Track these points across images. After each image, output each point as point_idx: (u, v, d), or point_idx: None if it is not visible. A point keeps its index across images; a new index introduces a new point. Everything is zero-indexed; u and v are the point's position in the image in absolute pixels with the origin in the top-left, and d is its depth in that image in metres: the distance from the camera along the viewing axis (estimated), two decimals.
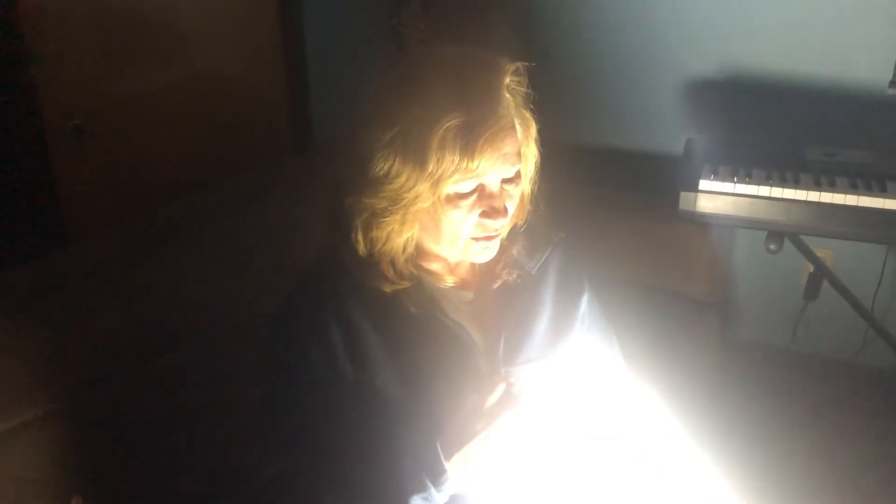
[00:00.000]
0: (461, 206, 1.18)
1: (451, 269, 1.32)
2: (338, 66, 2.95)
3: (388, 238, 1.21)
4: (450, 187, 1.16)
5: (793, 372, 2.78)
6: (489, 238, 1.23)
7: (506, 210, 1.20)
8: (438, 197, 1.16)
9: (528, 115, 1.23)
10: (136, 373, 1.62)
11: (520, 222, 1.33)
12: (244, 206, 2.03)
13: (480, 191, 1.18)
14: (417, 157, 1.13)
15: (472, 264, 1.34)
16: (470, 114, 1.13)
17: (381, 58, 2.71)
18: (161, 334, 1.69)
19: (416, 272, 1.26)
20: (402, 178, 1.15)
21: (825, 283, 2.47)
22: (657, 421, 1.39)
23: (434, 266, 1.30)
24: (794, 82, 2.51)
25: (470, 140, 1.13)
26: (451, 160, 1.13)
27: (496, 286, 1.33)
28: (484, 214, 1.19)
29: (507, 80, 1.19)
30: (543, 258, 1.38)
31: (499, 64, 1.19)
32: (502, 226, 1.24)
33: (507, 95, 1.18)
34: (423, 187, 1.15)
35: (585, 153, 2.70)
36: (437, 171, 1.13)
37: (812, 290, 2.57)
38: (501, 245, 1.32)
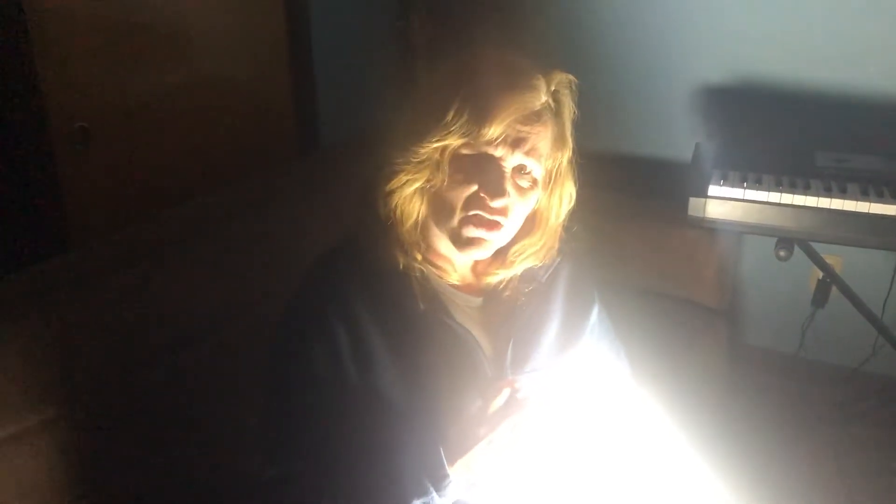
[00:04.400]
0: (464, 172, 1.19)
1: (455, 270, 1.31)
2: (344, 68, 2.94)
3: (401, 192, 1.22)
4: (462, 150, 1.18)
5: (800, 379, 2.77)
6: (483, 223, 1.21)
7: (506, 192, 1.19)
8: (446, 153, 1.19)
9: (566, 131, 1.25)
10: (140, 377, 1.61)
11: (547, 247, 1.32)
12: (251, 210, 2.02)
13: (484, 163, 1.19)
14: (440, 108, 1.17)
15: (478, 279, 1.33)
16: (501, 86, 1.17)
17: (388, 60, 2.69)
18: (167, 339, 1.68)
19: (425, 254, 1.26)
20: (422, 130, 1.19)
21: (834, 290, 2.45)
22: (658, 432, 1.39)
23: (439, 262, 1.29)
24: (805, 88, 2.50)
25: (493, 107, 1.16)
26: (469, 118, 1.16)
27: (506, 294, 1.32)
28: (482, 188, 1.18)
29: (554, 86, 1.22)
30: (553, 267, 1.37)
31: (548, 68, 1.22)
32: (500, 207, 1.20)
33: (548, 98, 1.21)
34: (435, 136, 1.18)
35: (594, 158, 2.67)
36: (453, 122, 1.16)
37: (821, 297, 2.56)
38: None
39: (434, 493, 1.16)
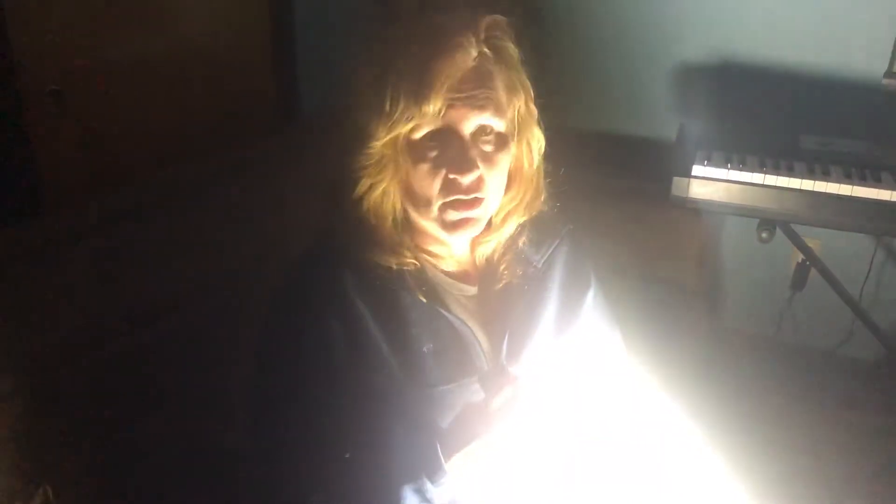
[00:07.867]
0: (427, 159, 1.14)
1: (452, 254, 1.28)
2: (326, 37, 2.90)
3: (369, 196, 1.17)
4: (414, 134, 1.13)
5: (778, 361, 2.78)
6: (463, 205, 1.17)
7: (475, 163, 1.14)
8: (399, 144, 1.14)
9: (513, 74, 1.18)
10: (108, 348, 1.58)
11: (528, 200, 1.27)
12: (228, 179, 1.99)
13: (443, 139, 1.14)
14: (377, 100, 1.12)
15: (473, 254, 1.30)
16: (432, 56, 1.10)
17: (372, 30, 2.66)
18: (139, 309, 1.65)
19: (415, 248, 1.23)
20: (368, 128, 1.13)
21: (813, 273, 2.45)
22: (661, 414, 1.38)
23: (434, 248, 1.26)
24: (790, 70, 2.48)
25: (425, 81, 1.09)
26: (407, 101, 1.10)
27: (501, 282, 1.29)
28: (451, 169, 1.14)
29: (483, 34, 1.14)
30: (549, 252, 1.34)
31: (473, 16, 1.15)
32: (473, 182, 1.15)
33: (485, 49, 1.14)
34: (382, 131, 1.12)
35: (577, 137, 2.66)
36: (393, 111, 1.11)
37: (800, 280, 2.57)
38: (506, 238, 1.28)
39: (428, 485, 1.14)
